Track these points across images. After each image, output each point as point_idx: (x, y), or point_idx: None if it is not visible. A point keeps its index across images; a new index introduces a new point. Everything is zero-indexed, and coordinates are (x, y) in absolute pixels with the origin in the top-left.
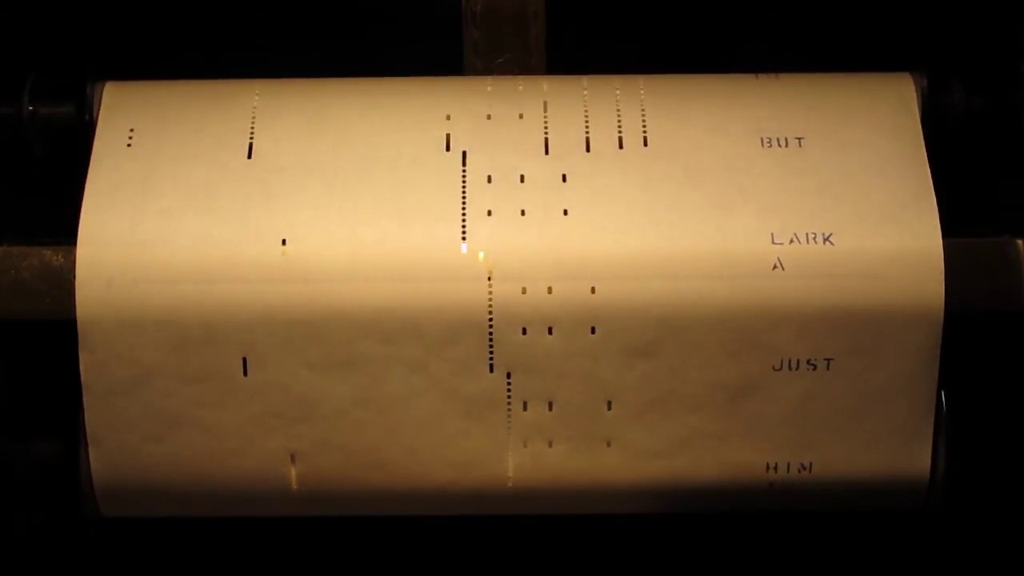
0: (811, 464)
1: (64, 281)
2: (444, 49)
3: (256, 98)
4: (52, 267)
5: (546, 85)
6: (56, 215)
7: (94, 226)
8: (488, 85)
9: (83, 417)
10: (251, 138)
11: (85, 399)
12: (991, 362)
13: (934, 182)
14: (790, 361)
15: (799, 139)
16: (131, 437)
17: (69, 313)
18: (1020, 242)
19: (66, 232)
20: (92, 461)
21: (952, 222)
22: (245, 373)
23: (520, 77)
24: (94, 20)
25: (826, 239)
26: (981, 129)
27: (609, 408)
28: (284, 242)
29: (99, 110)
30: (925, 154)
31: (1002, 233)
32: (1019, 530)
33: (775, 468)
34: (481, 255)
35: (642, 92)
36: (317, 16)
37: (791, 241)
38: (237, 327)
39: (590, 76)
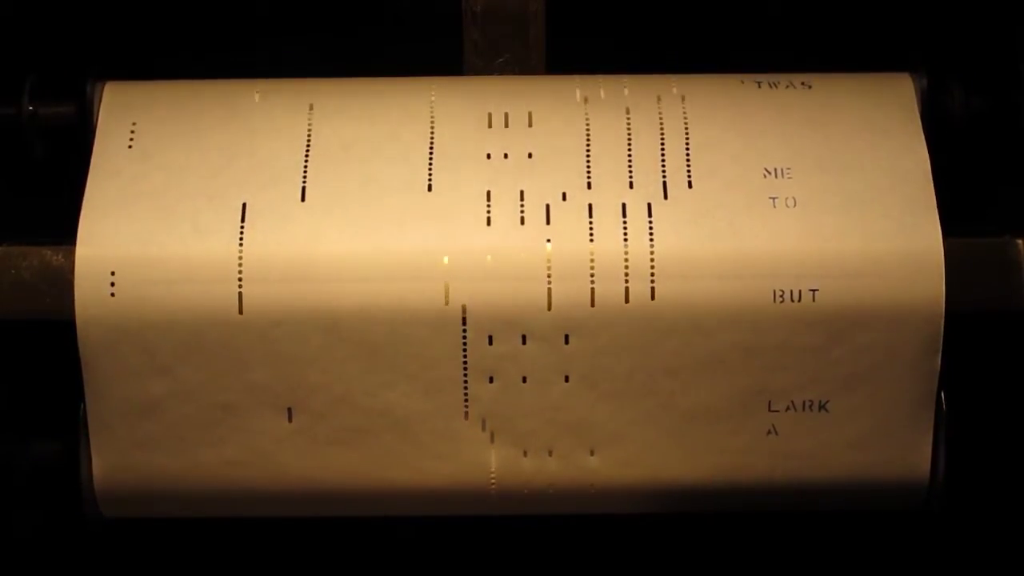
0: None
1: (64, 281)
2: (444, 49)
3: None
4: (52, 267)
5: (548, 222)
6: (56, 215)
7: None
8: (487, 204)
9: (83, 417)
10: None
11: (86, 399)
12: (991, 362)
13: (934, 182)
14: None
15: (813, 291)
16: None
17: (69, 313)
18: (1020, 242)
19: (66, 232)
20: (93, 461)
21: (952, 222)
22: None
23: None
24: (94, 20)
25: (822, 406)
26: (981, 129)
27: None
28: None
29: (99, 110)
30: (926, 154)
31: (1002, 233)
32: (1019, 530)
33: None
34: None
35: (652, 236)
36: (317, 16)
37: (787, 409)
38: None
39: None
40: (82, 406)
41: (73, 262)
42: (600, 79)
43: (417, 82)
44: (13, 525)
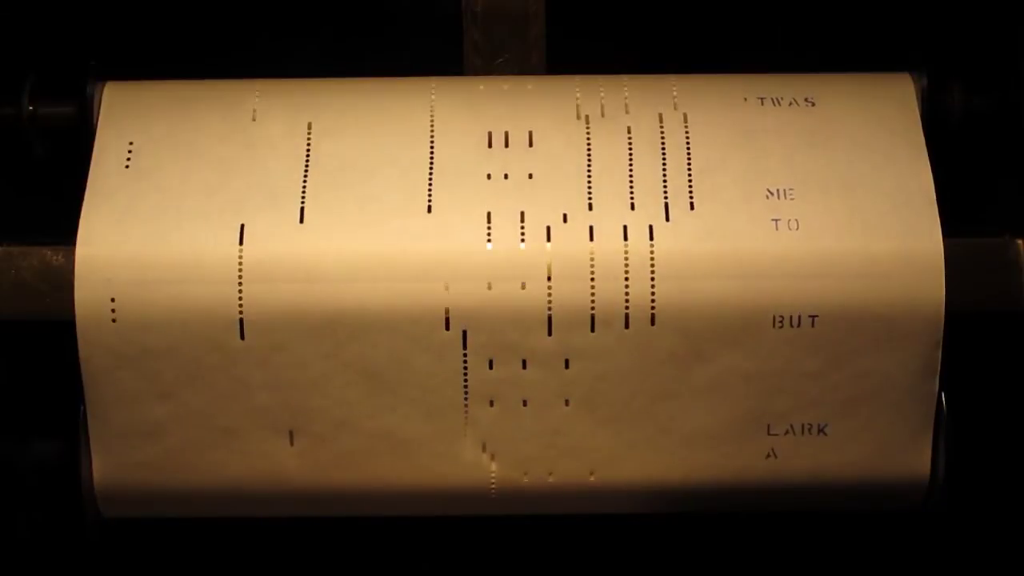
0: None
1: (64, 281)
2: (444, 49)
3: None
4: (52, 267)
5: (550, 243)
6: (56, 215)
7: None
8: (488, 225)
9: (84, 417)
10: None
11: (86, 399)
12: (991, 362)
13: (934, 182)
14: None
15: (812, 317)
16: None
17: (69, 313)
18: (1020, 242)
19: (66, 232)
20: (93, 462)
21: (952, 222)
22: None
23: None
24: (94, 20)
25: (821, 429)
26: (981, 129)
27: None
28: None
29: (99, 110)
30: (925, 154)
31: (1002, 233)
32: (1019, 530)
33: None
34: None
35: (653, 260)
36: (317, 16)
37: (786, 432)
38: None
39: (595, 235)
40: (82, 408)
41: (73, 262)
42: (600, 83)
43: (417, 90)
44: (13, 525)
